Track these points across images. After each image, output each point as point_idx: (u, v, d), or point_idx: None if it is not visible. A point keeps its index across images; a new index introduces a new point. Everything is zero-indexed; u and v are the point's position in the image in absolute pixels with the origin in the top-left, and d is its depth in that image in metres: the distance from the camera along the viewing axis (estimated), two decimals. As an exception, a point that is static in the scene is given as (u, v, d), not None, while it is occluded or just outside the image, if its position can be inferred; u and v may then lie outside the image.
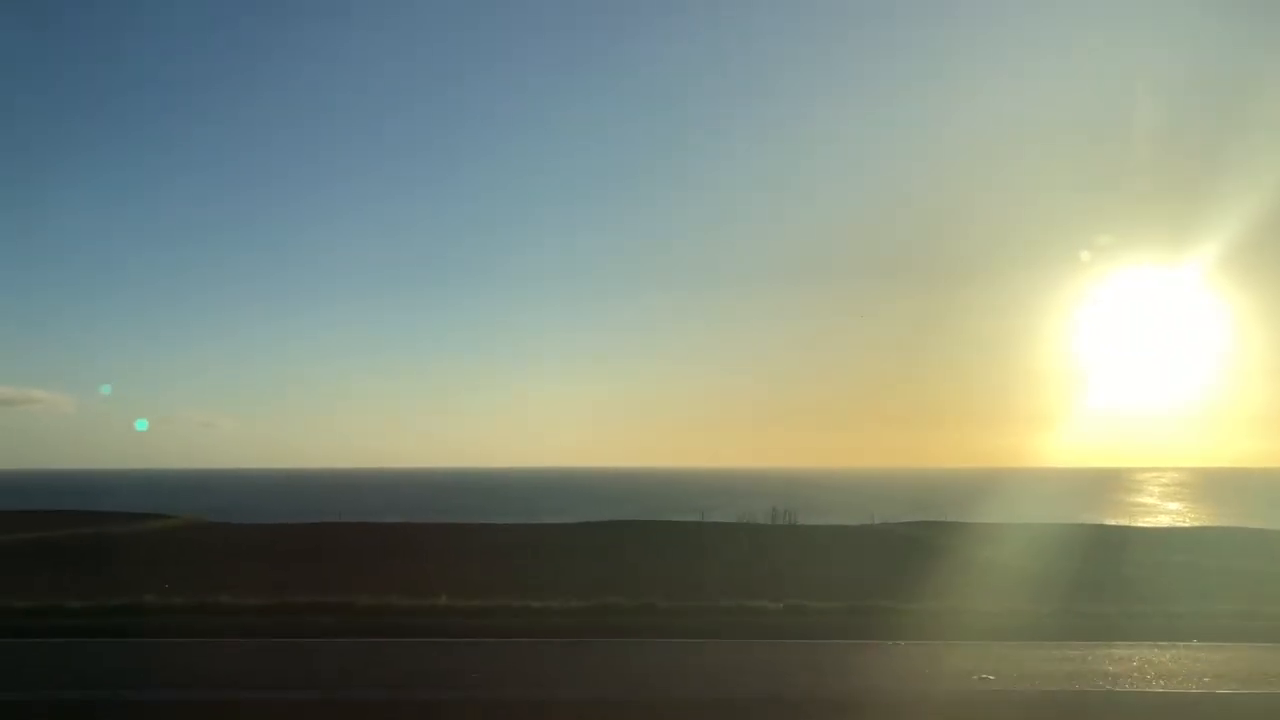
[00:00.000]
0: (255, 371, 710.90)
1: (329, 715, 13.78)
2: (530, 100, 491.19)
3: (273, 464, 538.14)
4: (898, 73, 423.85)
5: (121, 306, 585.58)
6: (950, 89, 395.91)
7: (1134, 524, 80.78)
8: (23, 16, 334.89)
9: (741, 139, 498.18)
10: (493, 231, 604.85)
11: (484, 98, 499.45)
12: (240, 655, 18.03)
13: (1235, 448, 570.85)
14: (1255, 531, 57.27)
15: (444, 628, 20.39)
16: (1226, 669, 16.96)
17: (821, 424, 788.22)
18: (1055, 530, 53.86)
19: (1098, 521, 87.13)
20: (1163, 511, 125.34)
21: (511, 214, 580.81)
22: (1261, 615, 22.28)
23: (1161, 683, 15.80)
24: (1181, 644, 19.17)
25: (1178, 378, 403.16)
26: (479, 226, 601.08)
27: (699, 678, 16.26)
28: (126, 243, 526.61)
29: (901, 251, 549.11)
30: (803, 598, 23.39)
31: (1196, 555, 38.87)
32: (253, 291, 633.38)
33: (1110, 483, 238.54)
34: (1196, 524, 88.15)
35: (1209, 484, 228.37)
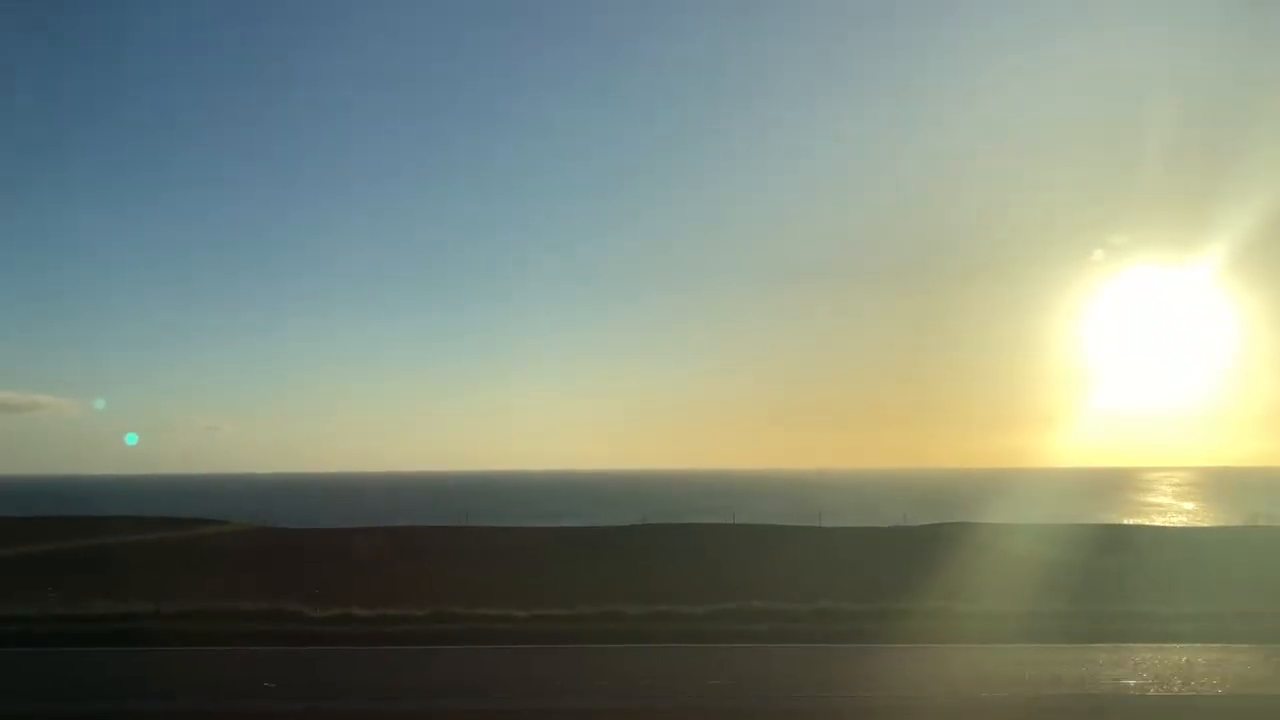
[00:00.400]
0: (258, 376, 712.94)
1: None
2: (530, 102, 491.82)
3: (277, 468, 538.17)
4: (904, 72, 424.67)
5: (125, 312, 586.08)
6: (956, 88, 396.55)
7: (1171, 524, 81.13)
8: (22, 18, 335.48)
9: (747, 139, 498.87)
10: (497, 234, 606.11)
11: (485, 101, 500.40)
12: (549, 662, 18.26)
13: (1241, 447, 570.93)
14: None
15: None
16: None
17: (823, 425, 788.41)
18: (1094, 531, 54.18)
19: (1123, 521, 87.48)
20: (1177, 511, 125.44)
21: (515, 217, 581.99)
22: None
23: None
24: None
25: (1185, 377, 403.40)
26: (483, 230, 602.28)
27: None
28: (131, 248, 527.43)
29: (907, 251, 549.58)
30: (945, 599, 23.47)
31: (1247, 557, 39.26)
32: (256, 297, 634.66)
33: (1120, 483, 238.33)
34: (1225, 524, 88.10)
35: (1219, 484, 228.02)
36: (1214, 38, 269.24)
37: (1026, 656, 18.87)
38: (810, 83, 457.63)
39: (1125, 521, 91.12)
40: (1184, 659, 18.37)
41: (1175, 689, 15.96)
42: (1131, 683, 16.38)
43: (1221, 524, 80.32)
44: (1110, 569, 33.91)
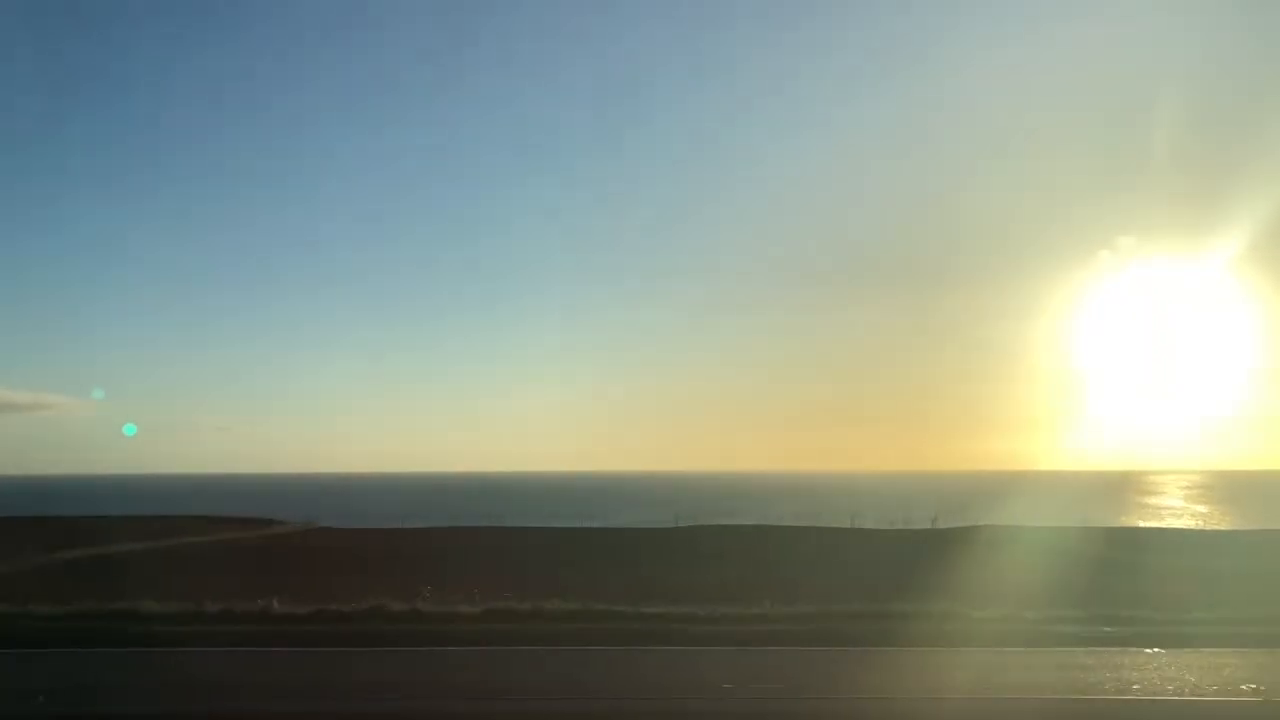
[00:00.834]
0: (269, 377, 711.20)
1: None
2: (532, 102, 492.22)
3: (286, 469, 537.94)
4: (906, 70, 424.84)
5: (134, 311, 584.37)
6: (958, 87, 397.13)
7: (1206, 527, 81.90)
8: (22, 19, 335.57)
9: (757, 139, 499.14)
10: (503, 236, 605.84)
11: (486, 100, 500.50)
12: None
13: (1247, 450, 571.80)
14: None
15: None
16: None
17: (823, 428, 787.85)
18: (1129, 533, 55.01)
19: (1153, 524, 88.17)
20: (1190, 514, 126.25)
21: (520, 220, 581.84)
22: None
23: None
24: None
25: (1188, 379, 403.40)
26: (488, 232, 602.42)
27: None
28: (140, 246, 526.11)
29: (910, 253, 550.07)
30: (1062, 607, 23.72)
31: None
32: (266, 297, 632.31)
33: (1128, 486, 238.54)
34: (1246, 527, 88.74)
35: (1229, 487, 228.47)
36: (1221, 33, 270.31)
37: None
38: (813, 82, 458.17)
39: (1155, 525, 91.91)
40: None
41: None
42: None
43: (1255, 527, 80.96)
44: (1182, 570, 34.59)
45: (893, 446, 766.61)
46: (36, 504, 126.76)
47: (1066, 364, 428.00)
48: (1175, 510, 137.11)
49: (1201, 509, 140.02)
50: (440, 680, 17.13)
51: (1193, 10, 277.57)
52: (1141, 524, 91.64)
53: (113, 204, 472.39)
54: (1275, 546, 48.49)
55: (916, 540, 53.77)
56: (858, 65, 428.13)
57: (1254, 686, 16.91)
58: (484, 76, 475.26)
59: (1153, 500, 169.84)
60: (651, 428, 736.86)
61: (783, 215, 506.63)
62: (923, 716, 15.31)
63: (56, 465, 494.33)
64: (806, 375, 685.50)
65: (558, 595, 24.15)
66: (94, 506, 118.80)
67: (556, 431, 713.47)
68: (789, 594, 25.64)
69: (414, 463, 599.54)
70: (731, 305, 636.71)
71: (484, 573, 34.19)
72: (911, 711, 15.44)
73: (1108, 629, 22.49)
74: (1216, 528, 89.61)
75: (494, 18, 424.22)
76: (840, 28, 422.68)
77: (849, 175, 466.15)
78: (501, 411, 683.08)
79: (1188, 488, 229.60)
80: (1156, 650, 20.19)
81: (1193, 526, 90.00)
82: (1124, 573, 34.65)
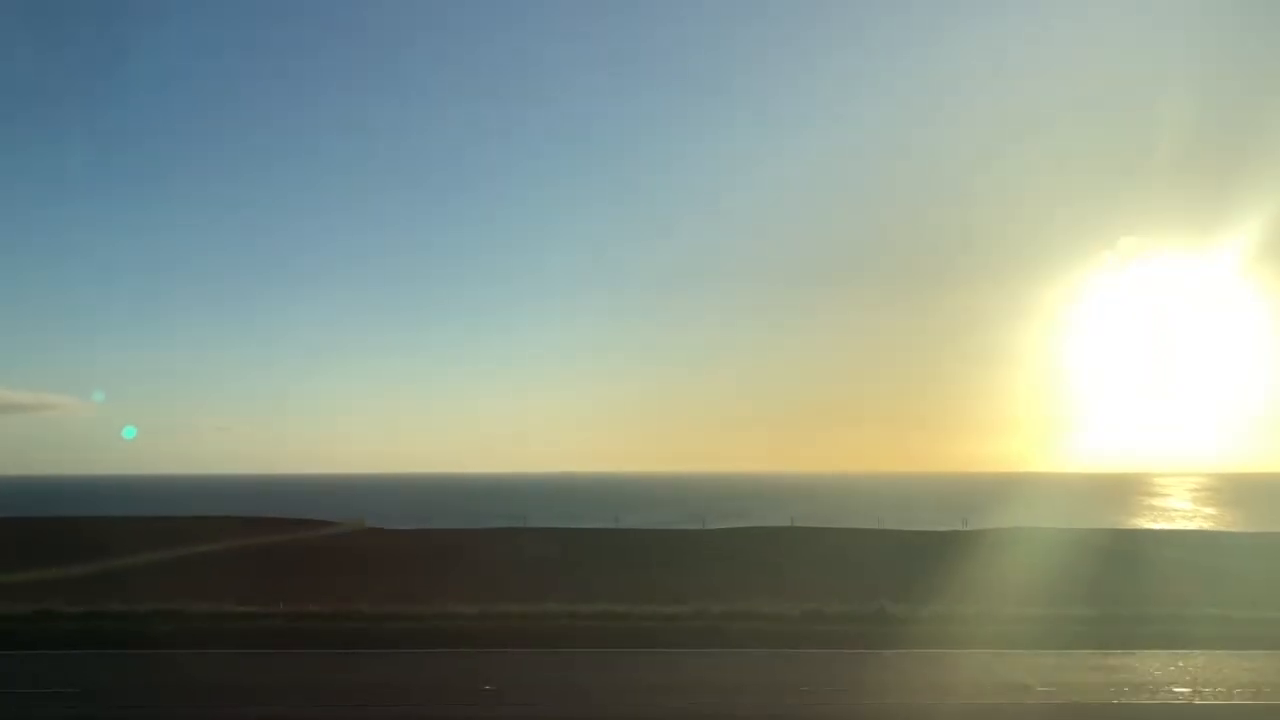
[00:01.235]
0: (268, 378, 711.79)
1: None
2: (535, 107, 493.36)
3: (285, 469, 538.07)
4: (910, 73, 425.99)
5: (135, 313, 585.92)
6: (961, 89, 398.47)
7: (1228, 530, 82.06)
8: (23, 18, 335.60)
9: (760, 144, 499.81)
10: (509, 239, 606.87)
11: (490, 106, 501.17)
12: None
13: (1247, 452, 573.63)
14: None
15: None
16: None
17: (822, 429, 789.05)
18: (1160, 536, 55.05)
19: (1179, 526, 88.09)
20: (1202, 516, 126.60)
21: (526, 223, 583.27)
22: None
23: None
24: None
25: (1193, 380, 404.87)
26: (496, 234, 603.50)
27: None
28: (142, 249, 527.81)
29: (914, 256, 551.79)
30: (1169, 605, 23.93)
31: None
32: (266, 299, 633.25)
33: (1133, 489, 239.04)
34: (1261, 529, 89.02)
35: (1234, 489, 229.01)
36: (1223, 35, 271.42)
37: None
38: (817, 85, 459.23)
39: (1180, 526, 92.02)
40: None
41: None
42: None
43: (1268, 530, 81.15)
44: (1230, 570, 34.66)
45: (891, 448, 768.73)
46: (68, 505, 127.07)
47: (1069, 366, 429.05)
48: (1185, 513, 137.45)
49: (1210, 511, 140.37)
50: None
51: (1195, 12, 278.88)
52: (1171, 526, 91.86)
53: (115, 207, 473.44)
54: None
55: (956, 542, 53.47)
56: (858, 66, 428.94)
57: None
58: (493, 80, 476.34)
59: (1161, 503, 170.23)
60: (645, 430, 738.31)
61: (784, 218, 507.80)
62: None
63: (59, 465, 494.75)
64: (806, 378, 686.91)
65: (704, 597, 23.90)
66: (125, 507, 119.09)
67: (555, 433, 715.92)
68: (900, 595, 25.57)
69: (412, 464, 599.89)
70: (731, 309, 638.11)
71: (575, 574, 34.14)
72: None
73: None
74: (1240, 530, 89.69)
75: (499, 18, 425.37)
76: (841, 30, 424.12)
77: (853, 178, 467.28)
78: (501, 413, 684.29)
79: (1195, 490, 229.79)
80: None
81: (1220, 529, 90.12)
82: (1174, 572, 34.78)
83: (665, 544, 52.66)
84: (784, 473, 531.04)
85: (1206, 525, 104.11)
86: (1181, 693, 16.37)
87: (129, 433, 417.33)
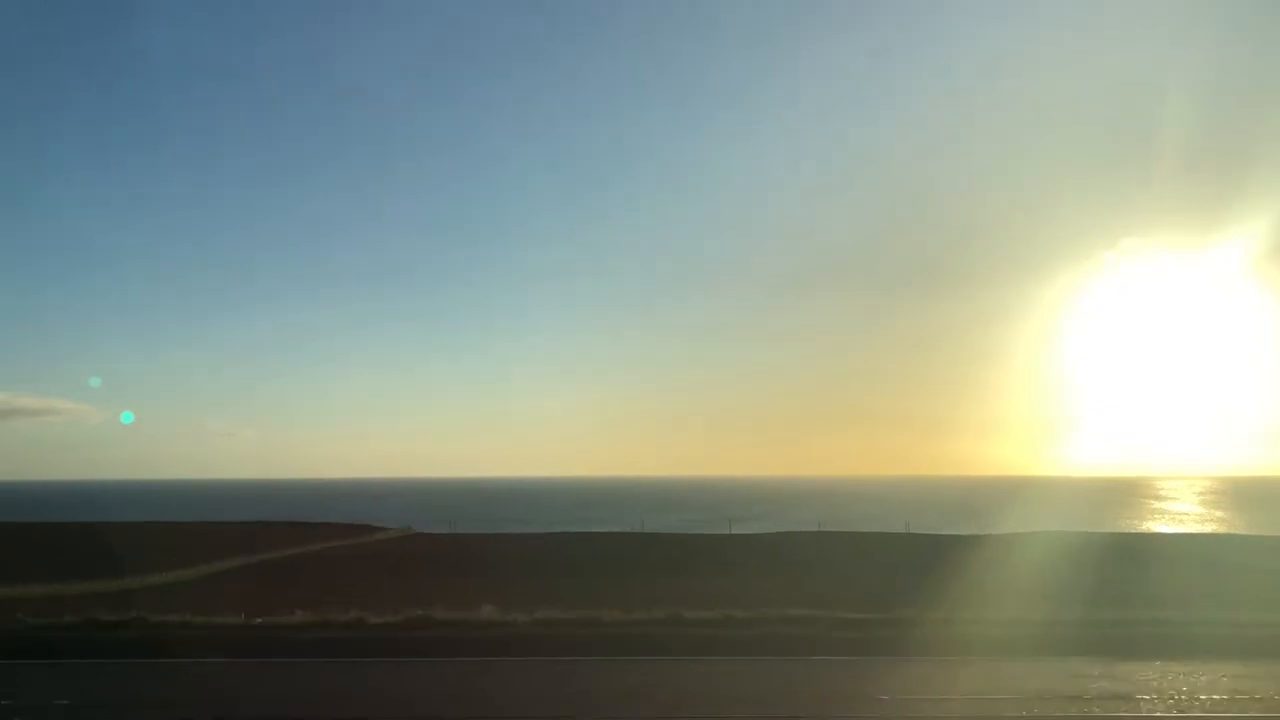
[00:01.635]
0: (272, 383, 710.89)
1: None
2: (537, 112, 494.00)
3: (289, 474, 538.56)
4: (911, 76, 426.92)
5: (140, 318, 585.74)
6: (963, 92, 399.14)
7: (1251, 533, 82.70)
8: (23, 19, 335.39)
9: (774, 146, 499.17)
10: (517, 242, 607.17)
11: (494, 110, 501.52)
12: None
13: (1248, 455, 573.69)
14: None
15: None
16: None
17: (825, 433, 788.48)
18: (1188, 540, 55.82)
19: (1197, 530, 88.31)
20: (1214, 520, 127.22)
21: (534, 226, 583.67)
22: None
23: None
24: None
25: (1194, 383, 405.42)
26: (504, 236, 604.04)
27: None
28: (144, 255, 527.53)
29: (913, 258, 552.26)
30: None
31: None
32: (270, 304, 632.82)
33: (1138, 491, 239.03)
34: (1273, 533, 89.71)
35: (1237, 493, 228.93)
36: (1226, 35, 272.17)
37: None
38: (812, 87, 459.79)
39: (1207, 530, 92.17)
40: None
41: None
42: None
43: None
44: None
45: (890, 451, 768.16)
46: (101, 512, 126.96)
47: (1070, 368, 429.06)
48: (1196, 516, 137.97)
49: (1220, 514, 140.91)
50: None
51: (1197, 12, 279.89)
52: (1190, 529, 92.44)
53: (117, 211, 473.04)
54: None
55: (989, 546, 53.94)
56: (856, 68, 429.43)
57: None
58: (503, 89, 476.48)
59: (1170, 506, 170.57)
60: (628, 436, 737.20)
61: (789, 220, 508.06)
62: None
63: (65, 471, 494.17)
64: (803, 383, 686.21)
65: (788, 604, 24.14)
66: (158, 513, 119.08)
67: (554, 438, 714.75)
68: (966, 600, 25.65)
69: (410, 470, 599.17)
70: (730, 313, 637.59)
71: (619, 575, 34.80)
72: None
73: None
74: (1262, 534, 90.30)
75: (507, 21, 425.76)
76: (838, 31, 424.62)
77: (857, 181, 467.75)
78: (507, 418, 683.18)
79: (1200, 494, 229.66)
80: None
81: (1234, 532, 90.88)
82: (1206, 573, 35.41)
83: (715, 547, 53.38)
84: (775, 477, 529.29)
85: (1220, 529, 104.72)
86: None
87: (126, 417, 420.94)
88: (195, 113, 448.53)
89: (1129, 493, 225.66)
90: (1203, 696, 16.13)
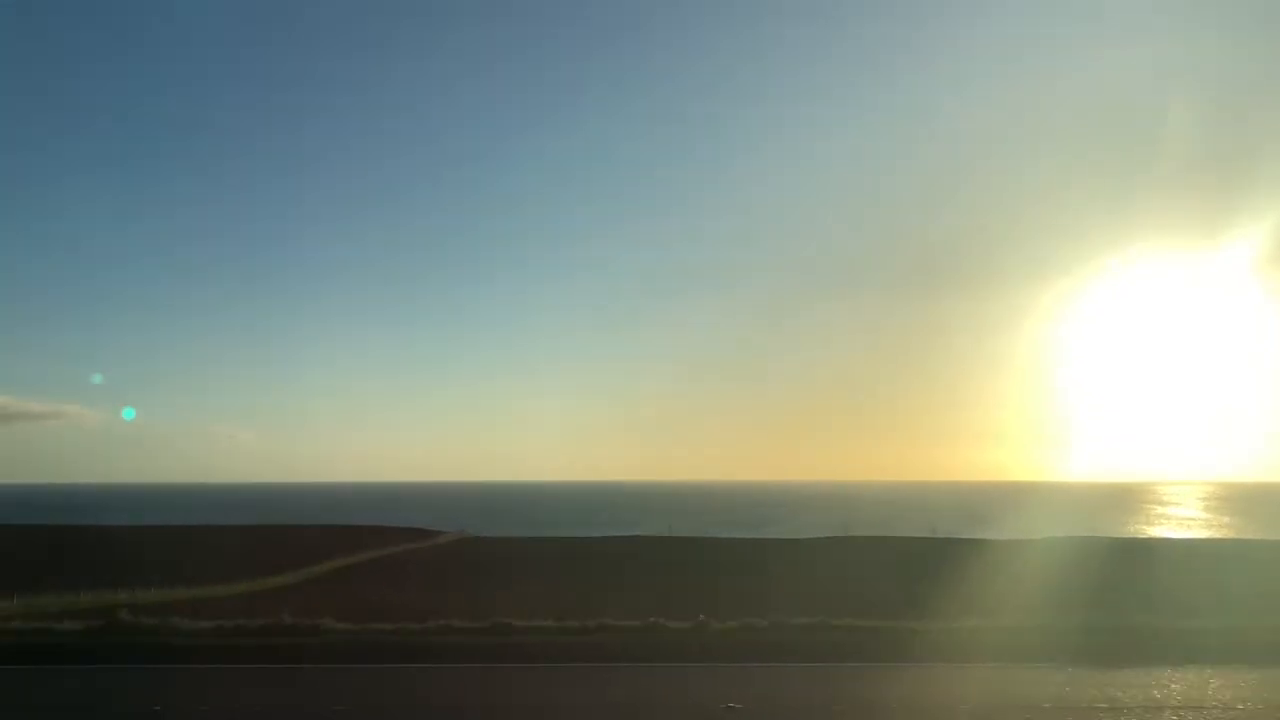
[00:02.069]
0: (276, 386, 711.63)
1: None
2: (545, 115, 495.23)
3: (296, 478, 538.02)
4: (915, 79, 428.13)
5: (144, 321, 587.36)
6: (965, 96, 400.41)
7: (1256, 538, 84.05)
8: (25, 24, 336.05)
9: (780, 148, 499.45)
10: (523, 246, 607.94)
11: (499, 114, 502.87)
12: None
13: (1250, 461, 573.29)
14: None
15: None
16: None
17: (825, 439, 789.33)
18: (1213, 545, 57.06)
19: (1215, 536, 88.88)
20: (1221, 525, 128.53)
21: (541, 228, 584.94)
22: None
23: None
24: None
25: (1196, 389, 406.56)
26: (509, 239, 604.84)
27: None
28: (149, 258, 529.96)
29: (917, 260, 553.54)
30: None
31: None
32: (275, 307, 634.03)
33: (1141, 497, 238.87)
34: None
35: (1241, 499, 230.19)
36: (1227, 38, 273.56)
37: None
38: (818, 89, 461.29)
39: (1221, 536, 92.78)
40: None
41: None
42: None
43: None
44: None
45: (890, 456, 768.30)
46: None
47: (1072, 373, 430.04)
48: (1202, 521, 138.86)
49: (1227, 520, 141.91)
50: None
51: (1201, 14, 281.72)
52: (1208, 535, 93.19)
53: (120, 214, 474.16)
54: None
55: (1017, 551, 55.28)
56: (860, 70, 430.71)
57: None
58: (514, 91, 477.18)
59: (1175, 511, 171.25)
60: (627, 440, 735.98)
61: (794, 226, 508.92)
62: None
63: (70, 474, 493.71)
64: (805, 388, 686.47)
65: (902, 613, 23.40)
66: (194, 517, 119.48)
67: (557, 443, 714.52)
68: (1034, 607, 24.84)
69: (418, 472, 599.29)
70: (729, 317, 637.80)
71: (705, 582, 36.03)
72: None
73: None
74: (1270, 539, 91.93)
75: (511, 16, 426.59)
76: (842, 33, 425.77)
77: (865, 183, 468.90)
78: (513, 423, 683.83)
79: (1204, 500, 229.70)
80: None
81: (1243, 537, 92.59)
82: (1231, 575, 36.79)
83: (773, 552, 54.62)
84: (773, 482, 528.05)
85: (1229, 534, 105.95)
86: None
87: (128, 413, 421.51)
88: (196, 113, 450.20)
89: (1132, 498, 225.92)
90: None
